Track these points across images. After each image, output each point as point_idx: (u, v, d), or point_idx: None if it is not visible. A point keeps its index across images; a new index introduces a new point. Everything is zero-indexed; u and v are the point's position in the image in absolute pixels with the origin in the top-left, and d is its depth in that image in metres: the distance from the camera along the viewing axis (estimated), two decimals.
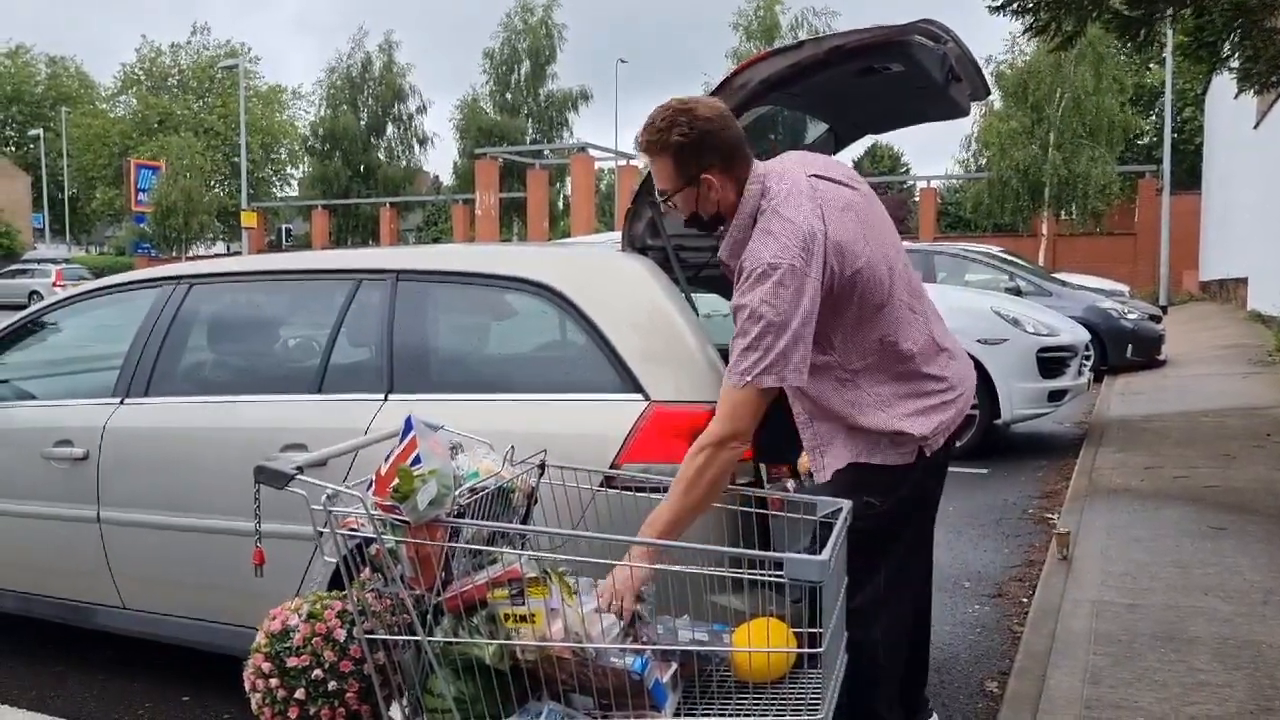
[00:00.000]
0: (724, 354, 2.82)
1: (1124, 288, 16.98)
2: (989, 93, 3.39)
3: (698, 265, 3.40)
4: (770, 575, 1.98)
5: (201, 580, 3.31)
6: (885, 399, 2.41)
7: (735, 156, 2.35)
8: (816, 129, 3.58)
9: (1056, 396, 7.85)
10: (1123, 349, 11.54)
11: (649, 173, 2.97)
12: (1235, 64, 8.15)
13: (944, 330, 2.58)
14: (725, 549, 2.23)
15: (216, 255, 40.71)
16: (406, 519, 2.03)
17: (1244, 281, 19.07)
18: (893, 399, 2.41)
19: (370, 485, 2.13)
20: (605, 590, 2.16)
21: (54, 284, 30.78)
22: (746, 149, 2.38)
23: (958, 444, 2.64)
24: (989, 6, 7.76)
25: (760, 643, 2.15)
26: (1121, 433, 7.99)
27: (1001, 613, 4.33)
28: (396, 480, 2.03)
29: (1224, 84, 14.13)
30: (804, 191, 2.32)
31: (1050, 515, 5.86)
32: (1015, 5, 7.67)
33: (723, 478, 2.26)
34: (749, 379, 2.22)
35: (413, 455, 2.09)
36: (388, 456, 2.14)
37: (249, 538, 2.38)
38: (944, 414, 2.46)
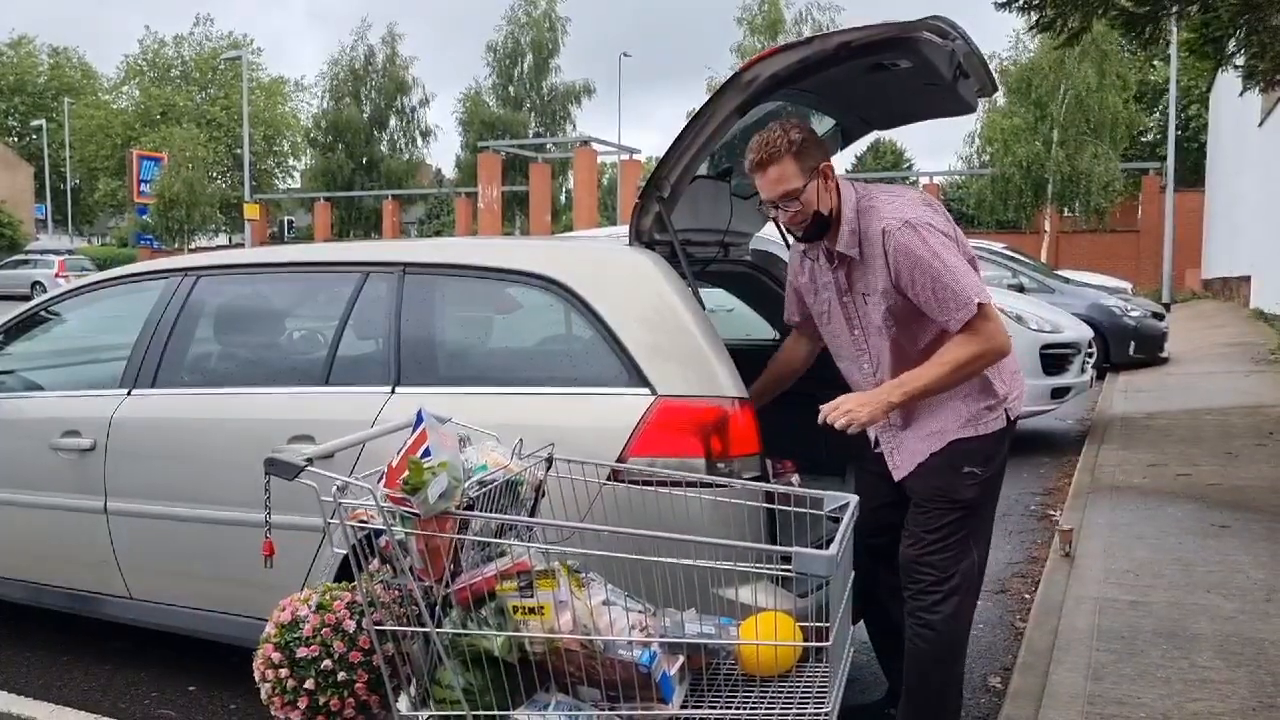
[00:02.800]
0: (731, 349, 2.84)
1: (1127, 285, 16.97)
2: (996, 89, 3.40)
3: (705, 260, 3.40)
4: (779, 569, 1.99)
5: (208, 571, 3.32)
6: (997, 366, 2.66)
7: (829, 155, 2.66)
8: (824, 125, 3.58)
9: (1059, 393, 7.86)
10: (1126, 346, 11.55)
11: (656, 165, 2.99)
12: (1240, 61, 8.13)
13: None
14: (733, 543, 2.24)
15: (219, 247, 40.75)
16: (416, 511, 2.04)
17: (1247, 280, 19.05)
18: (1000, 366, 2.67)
19: (381, 477, 2.14)
20: (856, 401, 2.50)
21: (56, 275, 30.81)
22: None
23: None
24: (995, 3, 7.74)
25: (767, 636, 2.16)
26: (1124, 430, 8.00)
27: (1004, 609, 4.34)
28: (407, 472, 2.04)
29: (1229, 81, 14.09)
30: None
31: (1053, 512, 5.87)
32: (1021, 2, 7.65)
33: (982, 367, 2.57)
34: (977, 300, 2.48)
35: (423, 448, 2.10)
36: (400, 449, 2.15)
37: (255, 529, 2.39)
38: (1017, 380, 2.74)
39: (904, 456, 2.70)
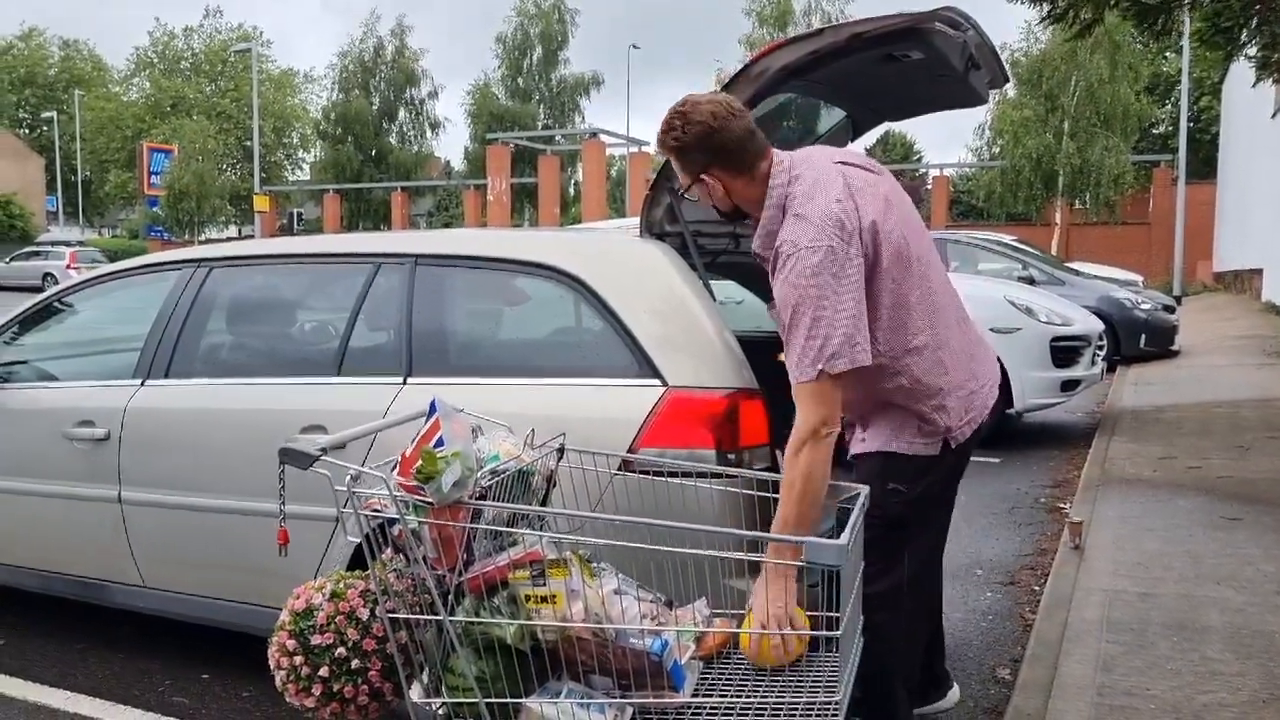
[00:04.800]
0: (741, 341, 2.84)
1: (1138, 277, 16.89)
2: (1008, 80, 3.39)
3: (715, 251, 3.41)
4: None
5: (221, 559, 3.34)
6: (921, 387, 2.42)
7: (737, 155, 2.37)
8: (834, 116, 3.58)
9: (1069, 386, 7.84)
10: (1136, 339, 11.51)
11: (667, 159, 3.00)
12: (1253, 51, 8.08)
13: (969, 322, 2.61)
14: (743, 533, 2.25)
15: (229, 239, 40.86)
16: (430, 500, 2.06)
17: (1259, 272, 18.96)
18: (927, 388, 2.42)
19: (394, 466, 2.15)
20: (764, 613, 2.15)
21: (67, 266, 30.92)
22: (753, 144, 2.38)
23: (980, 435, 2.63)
24: None
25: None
26: (1134, 423, 7.98)
27: (1014, 600, 4.34)
28: (420, 462, 2.06)
29: (1241, 72, 14.02)
30: (832, 176, 2.35)
31: (1062, 504, 5.87)
32: None
33: (827, 467, 2.24)
34: (821, 367, 2.20)
35: (436, 437, 2.11)
36: (413, 439, 2.16)
37: (267, 518, 2.41)
38: (970, 405, 2.50)
39: (858, 446, 2.57)
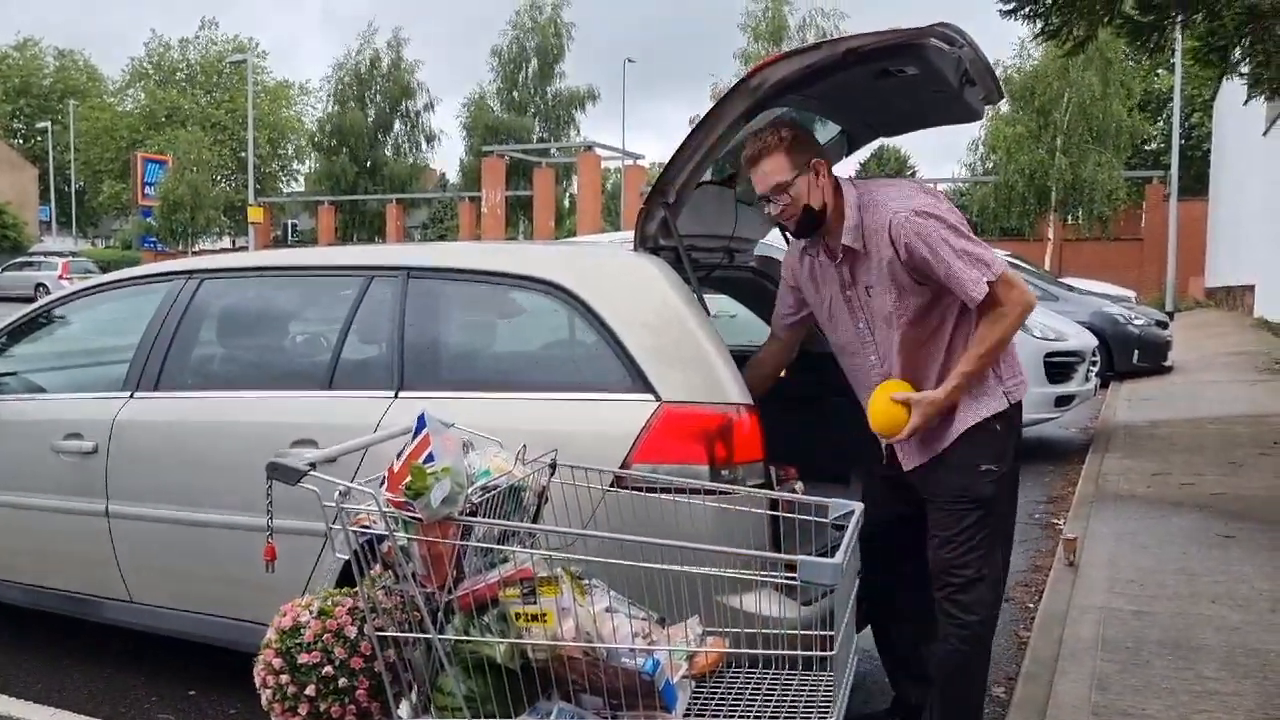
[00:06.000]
0: (735, 355, 2.82)
1: (1130, 293, 16.93)
2: (1003, 96, 3.39)
3: (710, 266, 3.39)
4: (783, 577, 1.98)
5: (209, 575, 3.31)
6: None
7: (825, 153, 2.73)
8: (829, 131, 3.57)
9: (1063, 401, 7.84)
10: (1130, 355, 11.52)
11: (660, 172, 2.99)
12: (1246, 69, 8.12)
13: None
14: (737, 550, 2.22)
15: (223, 250, 40.84)
16: (419, 516, 2.03)
17: (1251, 289, 19.02)
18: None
19: (383, 482, 2.12)
20: (924, 417, 2.57)
21: (60, 277, 30.85)
22: None
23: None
24: (1000, 10, 7.74)
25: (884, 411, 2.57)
26: (1128, 439, 7.98)
27: (1008, 618, 4.31)
28: (410, 477, 2.03)
29: (1233, 90, 14.09)
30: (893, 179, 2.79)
31: (1056, 521, 5.85)
32: (1027, 9, 7.65)
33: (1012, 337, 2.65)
34: (989, 278, 2.53)
35: (426, 452, 2.09)
36: (400, 453, 2.14)
37: (257, 533, 2.38)
38: (1013, 370, 2.73)
39: (914, 444, 2.70)
